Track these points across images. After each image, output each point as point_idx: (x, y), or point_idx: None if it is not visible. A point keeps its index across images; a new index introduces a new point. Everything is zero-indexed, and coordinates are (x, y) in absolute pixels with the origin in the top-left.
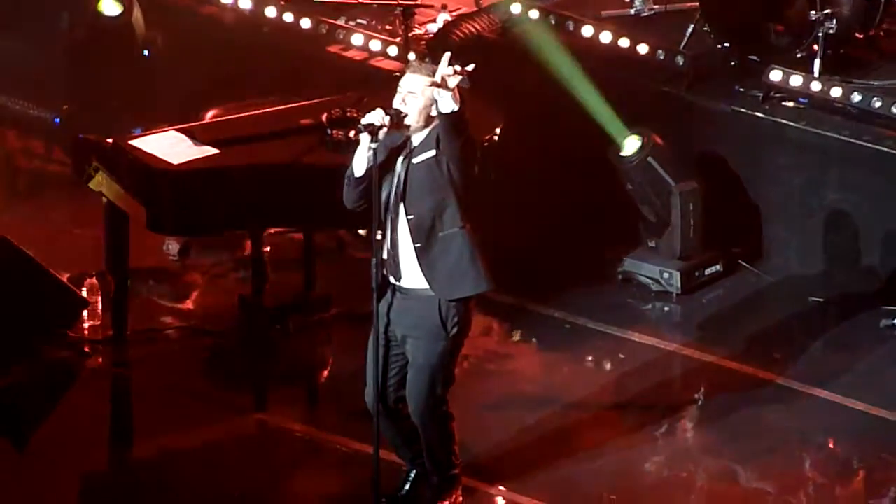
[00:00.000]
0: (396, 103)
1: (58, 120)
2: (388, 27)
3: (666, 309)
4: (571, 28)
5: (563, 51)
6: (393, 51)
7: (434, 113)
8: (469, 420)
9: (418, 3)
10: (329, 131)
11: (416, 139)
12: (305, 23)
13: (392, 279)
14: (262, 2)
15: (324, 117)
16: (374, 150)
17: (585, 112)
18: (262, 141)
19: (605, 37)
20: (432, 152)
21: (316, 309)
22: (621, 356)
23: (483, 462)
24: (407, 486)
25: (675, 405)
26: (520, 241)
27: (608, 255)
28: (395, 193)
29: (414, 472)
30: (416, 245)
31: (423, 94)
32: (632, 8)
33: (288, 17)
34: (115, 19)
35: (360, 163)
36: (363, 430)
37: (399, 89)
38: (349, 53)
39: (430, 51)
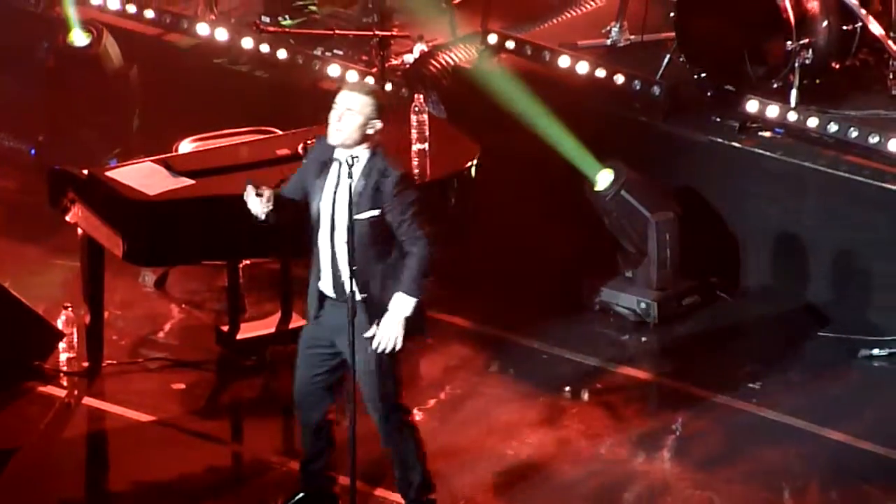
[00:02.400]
0: (333, 119)
1: (33, 151)
2: (364, 58)
3: (643, 339)
4: (548, 58)
5: (534, 84)
6: (370, 81)
7: (369, 131)
8: (445, 451)
9: (394, 33)
10: (305, 161)
11: (341, 155)
12: (282, 54)
13: (330, 293)
14: (239, 33)
15: (300, 147)
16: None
17: (557, 148)
18: (238, 171)
19: (582, 67)
20: (377, 212)
21: (292, 339)
22: (598, 386)
23: (460, 493)
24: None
25: (652, 435)
26: (496, 271)
27: (585, 285)
28: (330, 215)
29: (301, 495)
30: (362, 294)
31: (361, 112)
32: (608, 38)
33: (264, 48)
34: (84, 49)
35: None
36: (339, 461)
37: (335, 106)
38: (325, 84)
39: (407, 81)
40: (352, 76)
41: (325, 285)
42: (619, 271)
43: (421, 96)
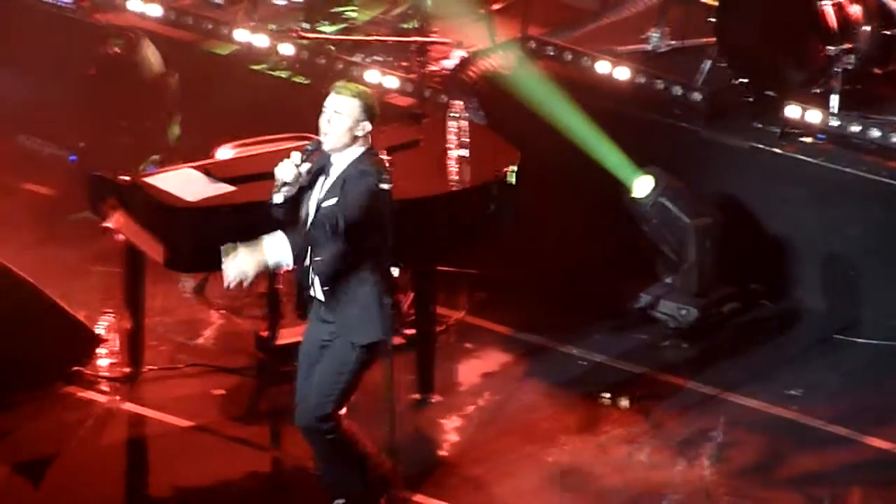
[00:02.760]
0: (322, 122)
1: (74, 157)
2: (403, 64)
3: (683, 345)
4: (587, 64)
5: (573, 90)
6: (408, 87)
7: (359, 133)
8: (484, 458)
9: (434, 39)
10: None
11: (336, 161)
12: (321, 60)
13: (313, 293)
14: (279, 40)
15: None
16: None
17: (596, 154)
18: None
19: (622, 73)
20: (336, 199)
21: None
22: (638, 392)
23: (499, 499)
24: None
25: (691, 442)
26: (536, 278)
27: (625, 291)
28: (310, 214)
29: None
30: (323, 288)
31: (349, 115)
32: (648, 44)
33: (304, 54)
34: (123, 56)
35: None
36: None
37: (324, 109)
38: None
39: (446, 87)
40: (392, 82)
41: (316, 287)
42: (658, 277)
43: (460, 102)
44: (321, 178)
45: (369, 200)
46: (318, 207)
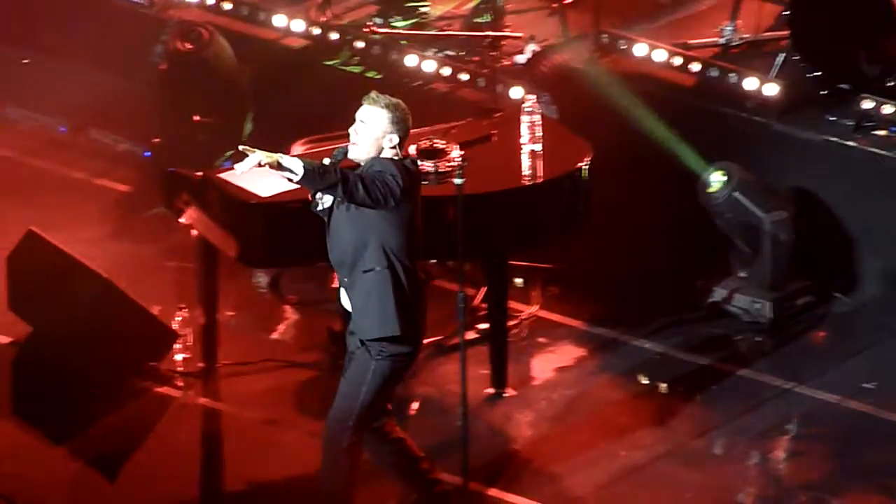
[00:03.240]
0: (350, 132)
1: (148, 153)
2: (475, 58)
3: (757, 339)
4: (660, 58)
5: (646, 84)
6: (481, 82)
7: (386, 144)
8: (557, 452)
9: (506, 34)
10: (417, 162)
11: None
12: (394, 55)
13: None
14: (352, 35)
15: (412, 149)
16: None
17: (668, 148)
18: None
19: (695, 66)
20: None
21: None
22: (712, 387)
23: (572, 494)
24: None
25: (766, 435)
26: (608, 272)
27: (698, 285)
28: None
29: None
30: (343, 279)
31: (377, 126)
32: (721, 37)
33: (376, 49)
34: (196, 52)
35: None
36: (452, 461)
37: (355, 117)
38: (437, 85)
39: (519, 82)
40: (464, 77)
41: (343, 296)
42: (732, 271)
43: (533, 97)
44: None
45: (386, 166)
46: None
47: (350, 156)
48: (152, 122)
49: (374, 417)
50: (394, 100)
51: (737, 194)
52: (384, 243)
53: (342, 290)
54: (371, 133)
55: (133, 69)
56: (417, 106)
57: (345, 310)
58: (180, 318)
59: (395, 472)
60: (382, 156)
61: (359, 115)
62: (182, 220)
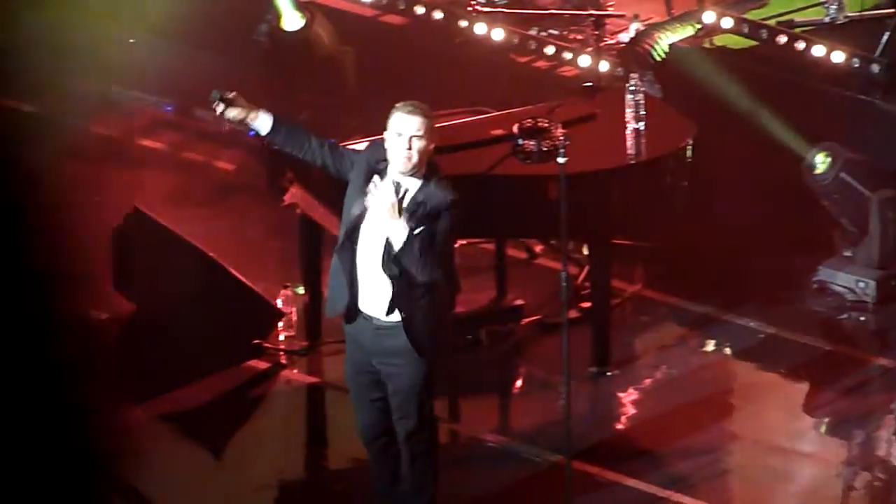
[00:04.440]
0: (401, 147)
1: (252, 133)
2: (579, 37)
3: (862, 318)
4: (765, 36)
5: (750, 62)
6: (584, 61)
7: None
8: (662, 431)
9: (610, 12)
10: (520, 141)
11: (406, 182)
12: (497, 34)
13: (363, 309)
14: (455, 14)
15: (515, 127)
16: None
17: (771, 128)
18: (454, 152)
19: (800, 45)
20: (424, 229)
21: (508, 319)
22: (816, 366)
23: (676, 474)
24: None
25: (872, 416)
26: (713, 250)
27: (802, 264)
28: (379, 231)
29: None
30: (402, 314)
31: (428, 137)
32: (826, 15)
33: (480, 28)
34: (297, 33)
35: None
36: (556, 440)
37: (399, 132)
38: (539, 63)
39: (623, 60)
40: (567, 56)
41: (368, 305)
42: (835, 250)
43: (637, 75)
44: (380, 191)
45: (456, 211)
46: (410, 235)
47: (401, 170)
48: (257, 102)
49: None
50: (423, 104)
51: (843, 174)
52: (443, 259)
53: (371, 293)
54: (424, 145)
55: (237, 49)
56: (520, 85)
57: (356, 309)
58: (284, 297)
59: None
60: (436, 177)
61: (407, 127)
62: (286, 198)
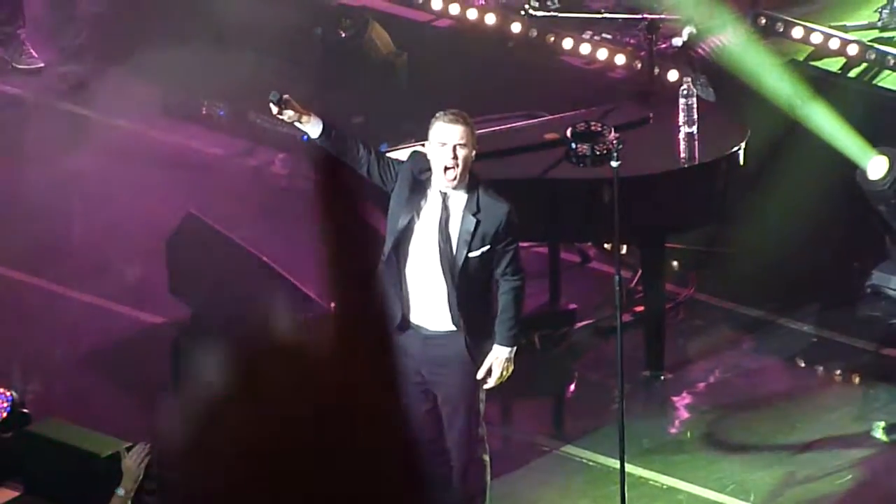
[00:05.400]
0: (446, 158)
1: (305, 137)
2: (632, 41)
3: None
4: (818, 41)
5: (803, 67)
6: (637, 64)
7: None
8: (715, 435)
9: (663, 16)
10: (573, 145)
11: (457, 196)
12: (550, 38)
13: (413, 320)
14: (507, 18)
15: (568, 131)
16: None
17: (824, 131)
18: (507, 156)
19: (852, 49)
20: (488, 247)
21: (562, 322)
22: (869, 370)
23: (729, 477)
24: None
25: None
26: (766, 253)
27: (855, 268)
28: (433, 245)
29: None
30: (464, 330)
31: (471, 145)
32: (880, 20)
33: (533, 32)
34: (351, 38)
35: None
36: (609, 445)
37: (443, 142)
38: (592, 67)
39: (676, 64)
40: (620, 59)
41: (418, 316)
42: (890, 255)
43: (689, 79)
44: (430, 206)
45: (516, 217)
46: (467, 257)
47: (448, 183)
48: (310, 107)
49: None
50: (462, 112)
51: None
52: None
53: (426, 308)
54: (469, 153)
55: (291, 53)
56: (574, 89)
57: (407, 320)
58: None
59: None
60: (482, 186)
61: (450, 136)
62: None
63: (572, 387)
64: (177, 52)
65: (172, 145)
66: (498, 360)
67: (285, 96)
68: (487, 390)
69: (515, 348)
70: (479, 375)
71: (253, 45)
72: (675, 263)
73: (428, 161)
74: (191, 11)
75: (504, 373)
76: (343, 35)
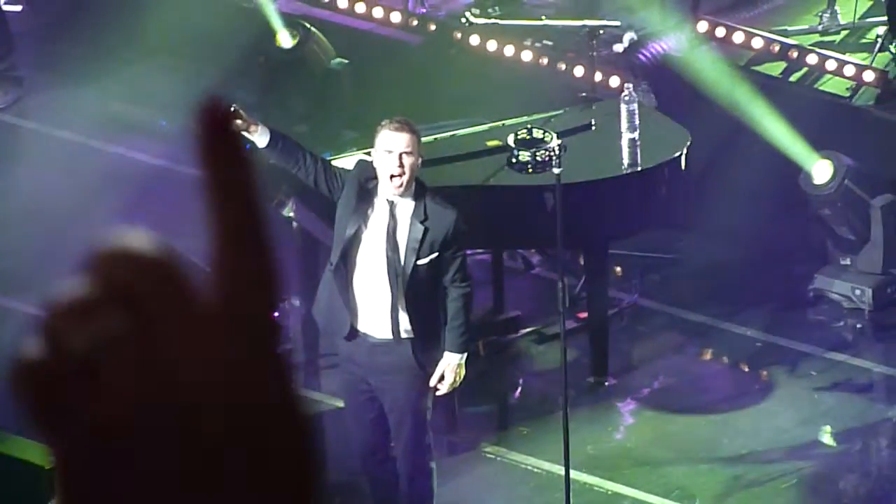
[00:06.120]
0: (391, 167)
1: (248, 146)
2: (573, 48)
3: (858, 326)
4: (759, 45)
5: (744, 71)
6: (579, 71)
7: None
8: (659, 440)
9: (604, 22)
10: (516, 152)
11: (404, 204)
12: (491, 45)
13: (360, 328)
14: (449, 26)
15: (510, 138)
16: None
17: (767, 137)
18: (449, 163)
19: (793, 53)
20: (436, 254)
21: (505, 330)
22: (813, 373)
23: (674, 482)
24: None
25: (869, 424)
26: (709, 258)
27: (797, 273)
28: (380, 254)
29: None
30: (412, 336)
31: (418, 152)
32: (820, 24)
33: (474, 39)
34: (290, 52)
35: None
36: (554, 451)
37: (388, 150)
38: (534, 74)
39: (617, 70)
40: (562, 66)
41: (366, 324)
42: (831, 259)
43: (631, 85)
44: (377, 214)
45: (463, 224)
46: (415, 264)
47: (395, 192)
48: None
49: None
50: (407, 119)
51: (847, 182)
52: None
53: (367, 308)
54: (416, 161)
55: (232, 65)
56: (515, 96)
57: (354, 329)
58: (281, 310)
59: None
60: (429, 194)
61: (396, 144)
62: (283, 212)
63: (517, 394)
64: (119, 64)
65: (115, 156)
66: (450, 366)
67: (233, 106)
68: (433, 398)
69: (466, 354)
70: (432, 383)
71: (194, 55)
72: (618, 269)
73: (374, 169)
74: (130, 22)
75: (457, 378)
76: (281, 44)
